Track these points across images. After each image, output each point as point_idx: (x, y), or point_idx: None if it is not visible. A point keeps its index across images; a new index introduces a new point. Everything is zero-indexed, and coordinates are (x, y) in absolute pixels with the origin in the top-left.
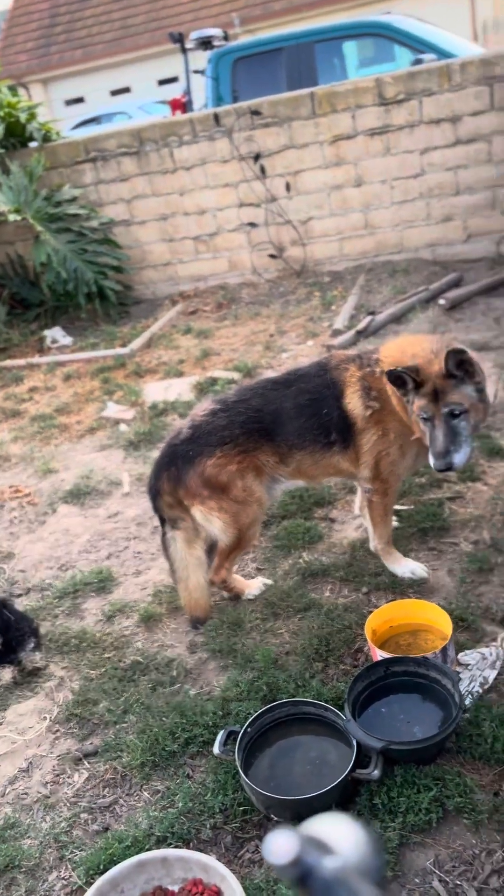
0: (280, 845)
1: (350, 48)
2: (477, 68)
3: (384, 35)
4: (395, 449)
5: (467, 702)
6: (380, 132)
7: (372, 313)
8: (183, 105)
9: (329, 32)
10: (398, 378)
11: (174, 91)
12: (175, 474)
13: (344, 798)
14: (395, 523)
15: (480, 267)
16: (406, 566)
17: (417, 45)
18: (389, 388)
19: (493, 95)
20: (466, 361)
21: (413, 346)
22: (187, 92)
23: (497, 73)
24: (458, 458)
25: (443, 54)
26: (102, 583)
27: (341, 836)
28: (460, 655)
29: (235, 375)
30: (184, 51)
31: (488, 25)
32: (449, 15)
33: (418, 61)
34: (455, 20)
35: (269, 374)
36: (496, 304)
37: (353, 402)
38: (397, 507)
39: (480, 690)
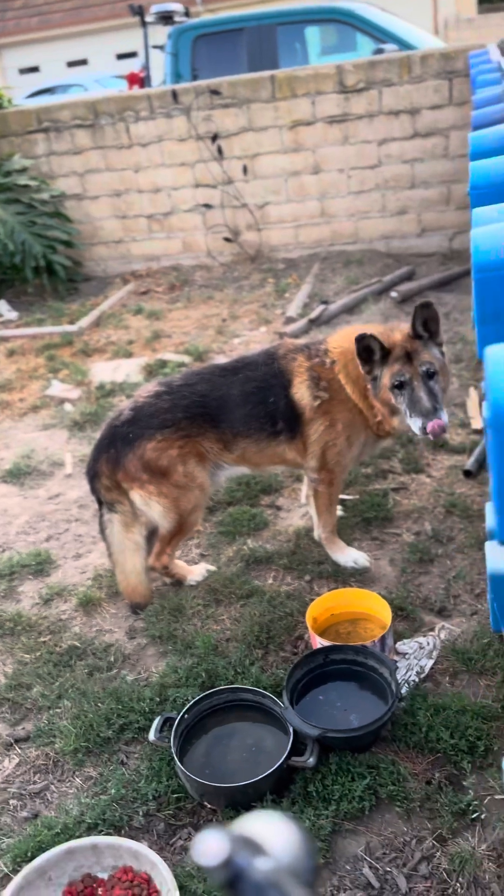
0: (210, 846)
1: (312, 34)
2: (437, 61)
3: (346, 22)
4: (342, 440)
5: (404, 690)
6: (339, 120)
7: (325, 302)
8: (141, 80)
9: (292, 16)
10: (365, 348)
11: (132, 66)
12: (114, 456)
13: (279, 786)
14: (339, 513)
15: (433, 262)
16: (349, 555)
17: (379, 34)
18: (343, 377)
19: (451, 90)
20: (432, 319)
21: (359, 332)
22: (146, 67)
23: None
24: (444, 416)
25: (404, 45)
26: (40, 565)
27: (274, 836)
28: (398, 644)
29: (186, 359)
30: (143, 24)
31: (449, 21)
32: (411, 8)
33: (379, 51)
34: (417, 14)
35: (219, 359)
36: (447, 299)
37: (301, 392)
38: (343, 496)
39: (417, 679)
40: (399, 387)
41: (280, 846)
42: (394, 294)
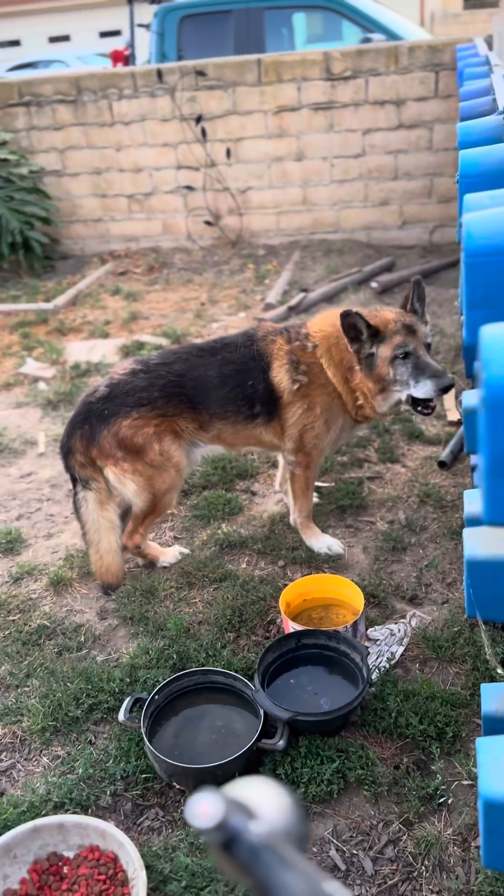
0: (205, 807)
1: (299, 21)
2: (425, 53)
3: (334, 9)
4: (320, 423)
5: (374, 676)
6: (324, 107)
7: (305, 290)
8: (125, 58)
9: (280, 0)
10: (351, 325)
11: (116, 44)
12: (88, 433)
13: (248, 768)
14: (315, 500)
15: (413, 254)
16: (323, 542)
17: (367, 23)
18: (325, 360)
19: (438, 83)
20: (421, 297)
21: (339, 315)
22: (130, 45)
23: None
24: (451, 379)
25: (392, 36)
26: (11, 544)
27: (266, 801)
28: (370, 631)
29: (164, 341)
30: (130, 1)
31: (436, 16)
32: (399, 1)
33: (367, 40)
34: (404, 8)
35: (197, 341)
36: (426, 291)
37: (280, 376)
38: (319, 483)
39: (387, 665)
40: (403, 357)
41: (272, 811)
42: (374, 284)
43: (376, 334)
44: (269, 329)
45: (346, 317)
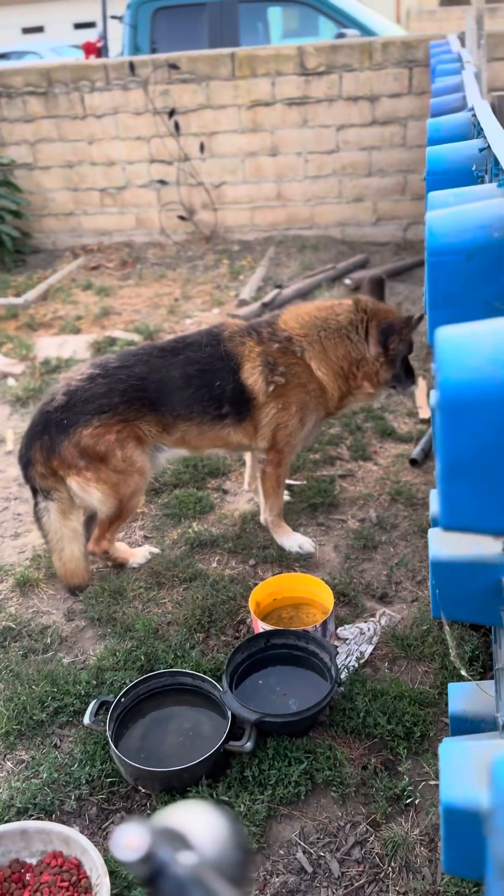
0: (129, 839)
1: (275, 15)
2: (399, 49)
3: (310, 4)
4: (295, 421)
5: (343, 676)
6: (298, 103)
7: (279, 287)
8: (98, 50)
9: None
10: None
11: (90, 36)
12: (48, 443)
13: (215, 770)
14: (287, 498)
15: (387, 251)
16: (294, 540)
17: (341, 18)
18: (316, 363)
19: (412, 79)
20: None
21: (309, 312)
22: (103, 37)
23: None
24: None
25: (366, 32)
26: None
27: (200, 828)
28: (339, 630)
29: (136, 337)
30: None
31: (412, 12)
32: None
33: (341, 35)
34: (380, 4)
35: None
36: (399, 288)
37: (254, 378)
38: (290, 481)
39: (356, 665)
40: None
41: (206, 839)
42: (347, 281)
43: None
44: (236, 329)
45: (407, 324)
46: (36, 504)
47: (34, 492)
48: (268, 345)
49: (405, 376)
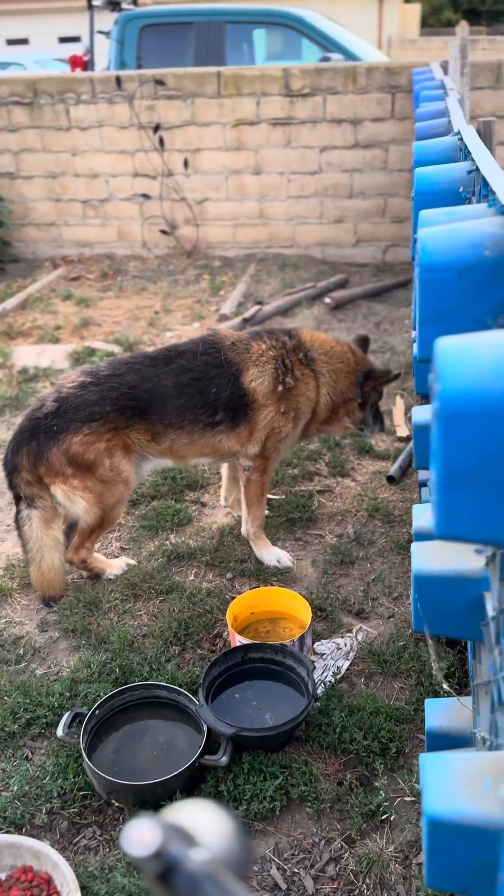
0: (141, 835)
1: (260, 37)
2: (382, 75)
3: (295, 27)
4: (289, 427)
5: (320, 691)
6: (283, 123)
7: (260, 303)
8: (84, 63)
9: (241, 15)
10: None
11: (75, 50)
12: (36, 450)
13: (189, 784)
14: (265, 511)
15: (366, 272)
16: (273, 554)
17: (326, 42)
18: (325, 389)
19: (394, 104)
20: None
21: (338, 345)
22: (90, 51)
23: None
24: None
25: (350, 56)
26: None
27: (207, 826)
28: (316, 645)
29: (116, 348)
30: (91, 7)
31: (393, 40)
32: (357, 25)
33: (326, 59)
34: (363, 31)
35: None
36: (377, 308)
37: (260, 379)
38: (269, 496)
39: (333, 680)
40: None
41: (213, 837)
42: (327, 300)
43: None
44: (237, 337)
45: (384, 375)
46: (18, 511)
47: (17, 499)
48: (290, 353)
49: (373, 421)
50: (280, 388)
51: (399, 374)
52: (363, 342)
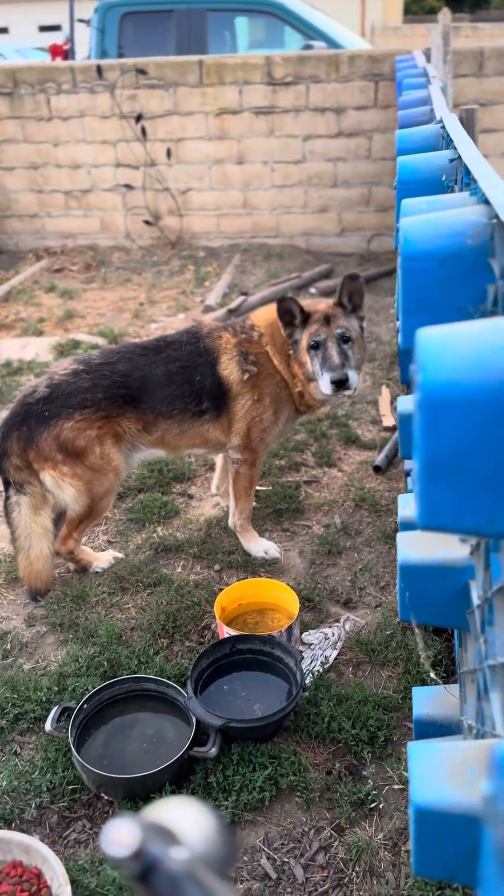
0: (120, 835)
1: (242, 25)
2: (365, 63)
3: (277, 15)
4: (268, 414)
5: (308, 681)
6: (265, 112)
7: (245, 294)
8: (64, 52)
9: (223, 2)
10: (286, 310)
11: (55, 39)
12: (26, 435)
13: (179, 776)
14: (253, 501)
15: (351, 261)
16: (260, 545)
17: (308, 30)
18: (270, 348)
19: (377, 92)
20: (356, 292)
21: (282, 296)
22: (70, 39)
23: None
24: (353, 376)
25: (333, 44)
26: None
27: (188, 824)
28: (304, 635)
29: (100, 340)
30: None
31: (376, 28)
32: (340, 11)
33: (308, 47)
34: (345, 19)
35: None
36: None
37: (230, 369)
38: (256, 487)
39: (321, 669)
40: (315, 347)
41: (195, 835)
42: (313, 290)
43: (306, 321)
44: (213, 326)
45: (282, 301)
46: (7, 498)
47: (6, 485)
48: (240, 336)
49: (319, 369)
50: (246, 375)
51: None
52: (347, 282)
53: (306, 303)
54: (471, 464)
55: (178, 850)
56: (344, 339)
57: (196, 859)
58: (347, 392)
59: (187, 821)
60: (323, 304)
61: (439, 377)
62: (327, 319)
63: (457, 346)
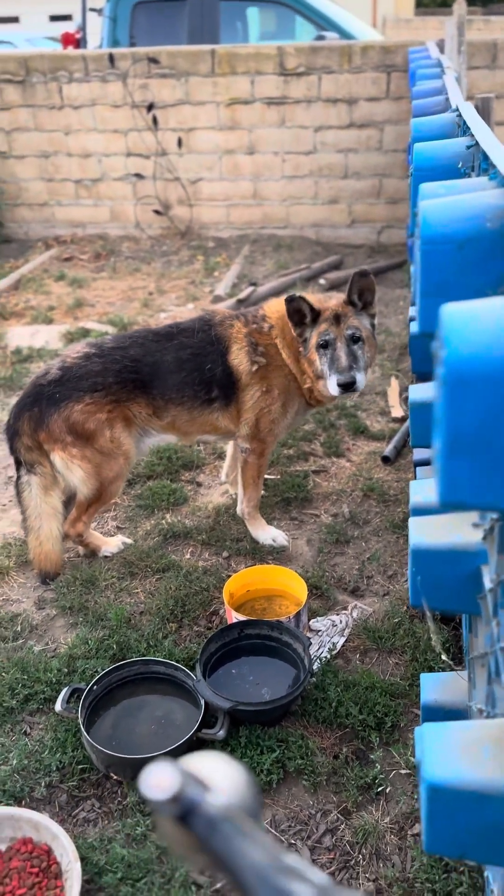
0: (160, 779)
1: (254, 16)
2: (378, 54)
3: (289, 5)
4: (277, 406)
5: (315, 666)
6: (277, 102)
7: (254, 284)
8: (76, 41)
9: None
10: (296, 310)
11: (66, 28)
12: (37, 415)
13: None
14: (262, 489)
15: (360, 253)
16: (268, 533)
17: (321, 20)
18: (279, 341)
19: (389, 84)
20: (367, 289)
21: (291, 294)
22: (82, 28)
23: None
24: (360, 377)
25: (345, 35)
26: None
27: (221, 775)
28: (312, 622)
29: (110, 329)
30: None
31: (388, 20)
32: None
33: (321, 38)
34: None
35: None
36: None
37: (240, 358)
38: (265, 476)
39: (329, 656)
40: (324, 346)
41: (227, 785)
42: (322, 281)
43: (316, 319)
44: (226, 314)
45: (290, 301)
46: (18, 478)
47: (18, 465)
48: (251, 326)
49: (327, 368)
50: (255, 367)
51: (294, 295)
52: (357, 279)
53: (316, 299)
54: (493, 439)
55: (216, 795)
56: (354, 339)
57: (231, 806)
58: (354, 394)
59: (219, 772)
60: (333, 301)
61: (464, 352)
62: (337, 318)
63: (481, 321)
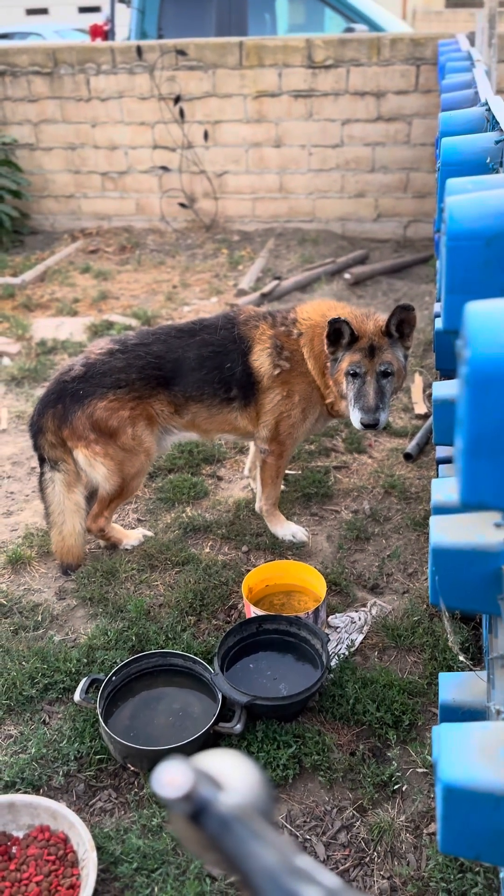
0: (173, 777)
1: (282, 7)
2: (407, 46)
3: None
4: (297, 412)
5: (333, 663)
6: (304, 95)
7: (278, 278)
8: (105, 33)
9: None
10: (336, 331)
11: (94, 20)
12: (61, 412)
13: (204, 751)
14: (281, 487)
15: (386, 248)
16: (288, 529)
17: (350, 12)
18: (306, 350)
19: (419, 77)
20: (407, 322)
21: (333, 309)
22: (110, 20)
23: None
24: (384, 416)
25: (374, 27)
26: None
27: (234, 774)
28: (331, 618)
29: (134, 322)
30: None
31: (418, 13)
32: None
33: (350, 30)
34: (387, 2)
35: (172, 322)
36: (398, 285)
37: (262, 360)
38: (286, 471)
39: (347, 653)
40: (353, 375)
41: (240, 784)
42: (347, 276)
43: (352, 343)
44: (251, 313)
45: (333, 323)
46: (42, 474)
47: (41, 461)
48: (279, 329)
49: (352, 398)
50: (278, 371)
51: (339, 320)
52: (399, 312)
53: (357, 320)
54: None
55: (228, 795)
56: (384, 374)
57: (244, 805)
58: (375, 430)
59: (233, 771)
60: (371, 325)
61: (488, 351)
62: (372, 351)
63: None
